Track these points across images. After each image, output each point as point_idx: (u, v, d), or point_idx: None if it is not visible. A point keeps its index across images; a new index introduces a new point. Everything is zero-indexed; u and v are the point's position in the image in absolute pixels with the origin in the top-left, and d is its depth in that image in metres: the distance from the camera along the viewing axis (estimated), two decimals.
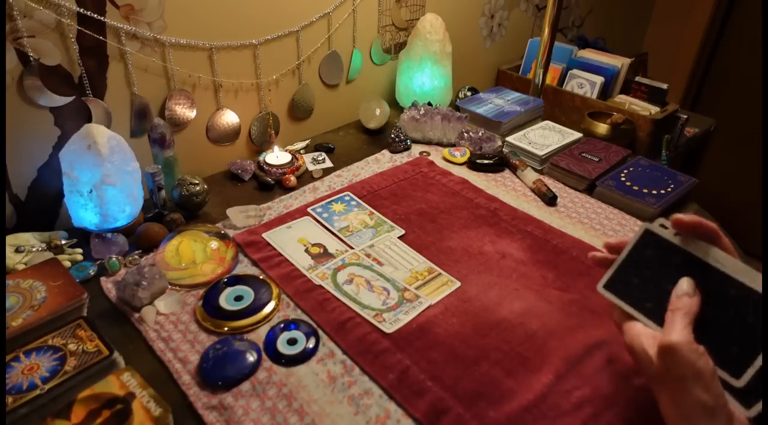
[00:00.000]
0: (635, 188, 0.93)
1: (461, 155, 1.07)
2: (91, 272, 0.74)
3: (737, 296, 0.46)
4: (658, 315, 0.49)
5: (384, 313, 0.67)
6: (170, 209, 0.86)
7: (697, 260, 0.49)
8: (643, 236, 0.53)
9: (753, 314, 0.45)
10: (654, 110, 1.35)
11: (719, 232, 0.49)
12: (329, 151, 1.09)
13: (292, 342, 0.64)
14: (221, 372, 0.59)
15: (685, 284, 0.48)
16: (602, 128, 1.24)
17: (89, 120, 0.83)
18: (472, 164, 1.04)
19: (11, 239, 0.75)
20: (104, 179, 0.74)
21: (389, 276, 0.73)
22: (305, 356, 0.62)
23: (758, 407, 0.44)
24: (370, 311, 0.67)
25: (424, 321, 0.67)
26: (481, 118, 1.18)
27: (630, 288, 0.53)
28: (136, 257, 0.77)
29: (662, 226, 0.52)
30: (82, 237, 0.79)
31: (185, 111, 0.95)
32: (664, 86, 1.38)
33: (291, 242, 0.81)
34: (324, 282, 0.72)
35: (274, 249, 0.79)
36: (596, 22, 1.93)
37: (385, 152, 1.10)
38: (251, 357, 0.61)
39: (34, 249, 0.75)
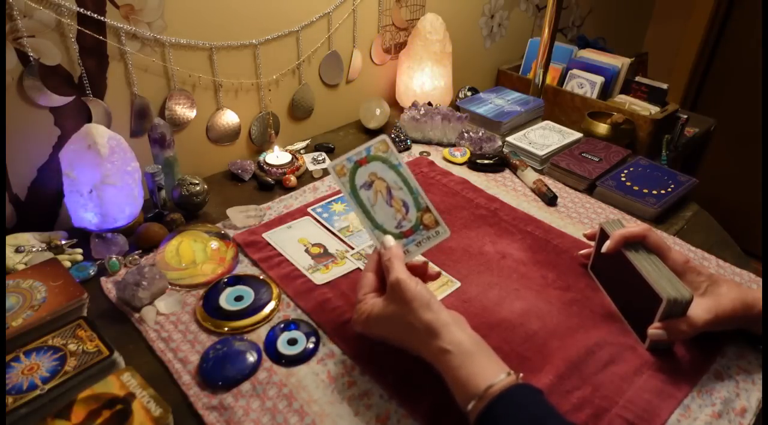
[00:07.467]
0: (635, 188, 0.93)
1: (461, 155, 1.07)
2: (91, 272, 0.74)
3: (644, 286, 0.62)
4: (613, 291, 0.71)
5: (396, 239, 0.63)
6: (170, 209, 0.86)
7: (625, 256, 0.66)
8: (601, 232, 0.71)
9: (650, 300, 0.61)
10: (654, 109, 1.35)
11: (645, 234, 0.64)
12: (329, 151, 1.09)
13: (292, 342, 0.64)
14: (221, 372, 0.59)
15: (389, 240, 0.60)
16: (602, 128, 1.24)
17: (89, 120, 0.83)
18: (472, 164, 1.04)
19: (11, 239, 0.75)
20: (104, 179, 0.73)
21: (415, 186, 0.66)
22: (305, 356, 0.62)
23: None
24: (379, 233, 0.63)
25: None
26: (481, 118, 1.18)
27: (601, 272, 0.74)
28: (136, 257, 0.77)
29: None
30: (82, 237, 0.79)
31: (185, 111, 0.95)
32: (664, 86, 1.38)
33: (291, 242, 0.81)
34: (341, 180, 0.63)
35: (275, 249, 0.79)
36: (596, 22, 1.93)
37: None
38: (251, 358, 0.61)
39: (34, 249, 0.75)
